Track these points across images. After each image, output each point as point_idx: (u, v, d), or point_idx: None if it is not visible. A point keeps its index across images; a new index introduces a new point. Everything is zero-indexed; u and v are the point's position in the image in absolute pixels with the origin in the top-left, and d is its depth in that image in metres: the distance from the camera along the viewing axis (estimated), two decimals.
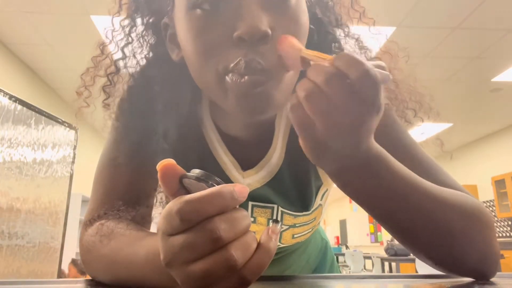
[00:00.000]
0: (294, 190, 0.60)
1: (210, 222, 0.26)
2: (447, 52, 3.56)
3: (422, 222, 0.42)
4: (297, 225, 0.63)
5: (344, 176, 0.40)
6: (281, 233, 0.64)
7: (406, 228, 0.43)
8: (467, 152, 6.62)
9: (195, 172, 0.29)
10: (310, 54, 0.36)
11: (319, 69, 0.33)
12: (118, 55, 0.57)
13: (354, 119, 0.33)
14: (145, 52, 0.57)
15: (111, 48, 0.58)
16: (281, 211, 0.61)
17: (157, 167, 0.29)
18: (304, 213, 0.62)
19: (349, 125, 0.34)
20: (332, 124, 0.34)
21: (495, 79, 4.10)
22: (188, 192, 0.29)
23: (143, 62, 0.57)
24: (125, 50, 0.57)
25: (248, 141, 0.58)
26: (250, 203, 0.61)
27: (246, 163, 0.58)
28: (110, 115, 0.60)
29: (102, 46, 0.58)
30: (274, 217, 0.62)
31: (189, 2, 0.44)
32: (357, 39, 0.57)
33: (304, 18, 0.46)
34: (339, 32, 0.57)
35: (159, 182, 0.30)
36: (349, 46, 0.57)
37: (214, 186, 0.28)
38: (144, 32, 0.56)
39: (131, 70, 0.58)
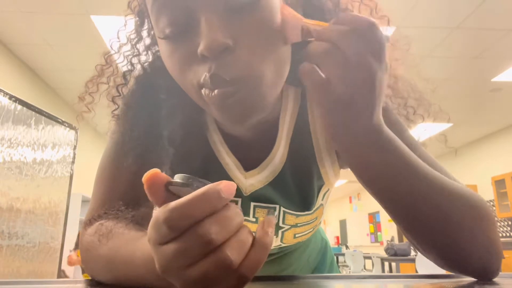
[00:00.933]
0: (296, 190, 0.60)
1: (200, 226, 0.26)
2: (447, 52, 3.56)
3: (428, 207, 0.42)
4: (299, 224, 0.63)
5: (357, 148, 0.41)
6: (282, 233, 0.64)
7: (411, 214, 0.43)
8: (467, 152, 6.62)
9: (179, 177, 0.28)
10: (312, 22, 0.39)
11: (333, 29, 0.36)
12: (127, 67, 0.58)
13: (369, 74, 0.36)
14: (151, 60, 0.58)
15: (117, 57, 0.59)
16: (283, 211, 0.61)
17: (142, 179, 0.29)
18: (306, 212, 0.61)
19: (365, 80, 0.36)
20: (350, 81, 0.36)
21: (495, 79, 4.10)
22: (178, 198, 0.29)
23: (148, 68, 0.58)
24: (133, 61, 0.58)
25: (251, 141, 0.58)
26: (252, 204, 0.61)
27: (249, 164, 0.58)
28: (114, 116, 0.60)
29: (107, 56, 0.59)
30: (277, 217, 0.61)
31: (158, 31, 0.44)
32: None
33: (274, 17, 0.43)
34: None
35: (147, 194, 0.29)
36: None
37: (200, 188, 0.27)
38: (150, 42, 0.56)
39: (136, 74, 0.58)
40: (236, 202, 0.60)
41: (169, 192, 0.29)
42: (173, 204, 0.26)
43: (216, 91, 0.41)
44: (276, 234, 0.64)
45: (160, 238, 0.27)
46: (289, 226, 0.63)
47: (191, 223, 0.26)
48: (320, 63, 0.37)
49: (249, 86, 0.41)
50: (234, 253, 0.26)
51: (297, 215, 0.62)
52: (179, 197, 0.29)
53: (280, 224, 0.62)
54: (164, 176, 0.29)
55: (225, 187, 0.27)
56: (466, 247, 0.43)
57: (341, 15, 0.37)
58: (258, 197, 0.60)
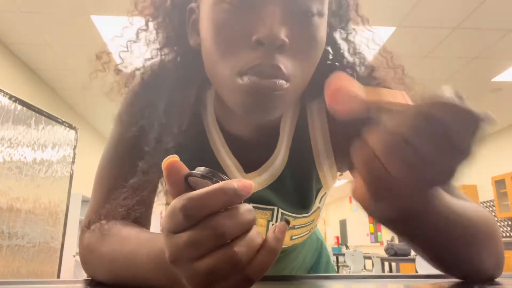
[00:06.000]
0: (295, 193, 0.60)
1: (213, 219, 0.26)
2: (447, 52, 3.56)
3: (454, 243, 0.41)
4: (296, 226, 0.63)
5: (401, 219, 0.36)
6: None
7: (437, 250, 0.42)
8: None
9: (200, 169, 0.29)
10: (382, 100, 0.30)
11: (404, 118, 0.28)
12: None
13: (443, 171, 0.29)
14: (154, 51, 0.56)
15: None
16: (281, 212, 0.61)
17: (162, 165, 0.29)
18: (303, 215, 0.62)
19: (437, 177, 0.29)
20: (418, 179, 0.29)
21: (495, 79, 4.10)
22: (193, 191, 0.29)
23: (153, 66, 0.57)
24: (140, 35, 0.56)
25: (252, 142, 0.58)
26: (250, 205, 0.60)
27: (249, 165, 0.58)
28: (113, 117, 0.59)
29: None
30: (274, 219, 0.62)
31: (215, 3, 0.44)
32: (353, 44, 0.57)
33: (322, 35, 0.47)
34: (339, 34, 0.57)
35: (165, 181, 0.29)
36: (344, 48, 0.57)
37: (219, 182, 0.28)
38: (163, 19, 0.55)
39: (138, 72, 0.58)
40: None
41: (187, 184, 0.29)
42: (190, 194, 0.27)
43: (266, 80, 0.42)
44: None
45: (174, 226, 0.27)
46: None
47: (206, 215, 0.26)
48: (385, 157, 0.29)
49: (292, 87, 0.44)
50: (242, 251, 0.27)
51: (295, 217, 0.62)
52: (195, 189, 0.29)
53: None
54: (182, 165, 0.29)
55: (242, 185, 0.28)
56: (481, 265, 0.44)
57: (434, 99, 0.28)
58: (257, 198, 0.60)
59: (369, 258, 6.14)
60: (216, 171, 0.29)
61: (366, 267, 6.96)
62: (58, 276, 2.79)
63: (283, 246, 0.68)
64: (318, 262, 0.86)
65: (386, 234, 9.20)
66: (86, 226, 0.53)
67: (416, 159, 0.28)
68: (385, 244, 5.98)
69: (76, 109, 4.79)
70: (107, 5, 2.82)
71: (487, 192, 5.94)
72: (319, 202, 0.64)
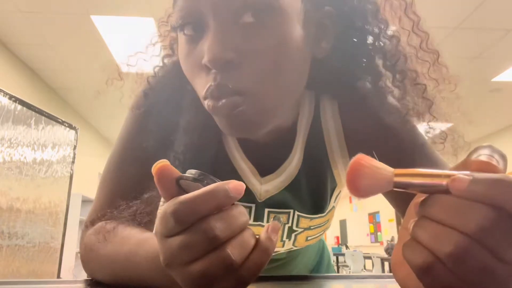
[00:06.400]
0: (310, 193, 0.59)
1: (205, 222, 0.26)
2: (447, 52, 3.56)
3: None
4: (312, 227, 0.63)
5: None
6: (295, 236, 0.63)
7: None
8: (467, 152, 6.61)
9: (191, 172, 0.29)
10: (406, 172, 0.25)
11: (444, 236, 0.23)
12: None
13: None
14: (172, 57, 0.57)
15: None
16: (298, 214, 0.60)
17: (152, 170, 0.29)
18: (319, 215, 0.61)
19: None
20: (496, 283, 0.23)
21: (495, 79, 4.10)
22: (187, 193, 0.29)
23: (164, 65, 0.57)
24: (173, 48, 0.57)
25: (267, 146, 0.56)
26: (266, 210, 0.60)
27: (265, 168, 0.57)
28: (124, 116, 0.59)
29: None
30: (291, 221, 0.61)
31: (174, 25, 0.44)
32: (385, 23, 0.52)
33: (281, 34, 0.42)
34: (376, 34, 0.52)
35: (156, 185, 0.29)
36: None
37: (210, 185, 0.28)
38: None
39: (153, 70, 0.57)
40: (250, 209, 0.59)
41: (179, 187, 0.29)
42: (181, 198, 0.27)
43: (224, 100, 0.41)
44: (289, 237, 0.63)
45: (166, 230, 0.27)
46: (302, 229, 0.62)
47: (198, 218, 0.26)
48: (421, 276, 0.24)
49: (255, 98, 0.41)
50: (235, 253, 0.26)
51: (311, 218, 0.61)
52: (186, 193, 0.29)
53: (294, 227, 0.62)
54: (173, 169, 0.29)
55: (233, 186, 0.27)
56: None
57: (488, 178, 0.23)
58: (273, 202, 0.59)
59: (369, 258, 6.14)
60: (208, 173, 0.29)
61: (366, 267, 6.96)
62: (58, 276, 2.79)
63: (296, 248, 0.68)
64: (320, 263, 0.86)
65: (386, 234, 9.20)
66: (87, 226, 0.53)
67: (493, 261, 0.22)
68: (385, 244, 5.98)
69: (76, 109, 4.78)
70: (107, 5, 2.82)
71: None
72: (334, 202, 0.63)
